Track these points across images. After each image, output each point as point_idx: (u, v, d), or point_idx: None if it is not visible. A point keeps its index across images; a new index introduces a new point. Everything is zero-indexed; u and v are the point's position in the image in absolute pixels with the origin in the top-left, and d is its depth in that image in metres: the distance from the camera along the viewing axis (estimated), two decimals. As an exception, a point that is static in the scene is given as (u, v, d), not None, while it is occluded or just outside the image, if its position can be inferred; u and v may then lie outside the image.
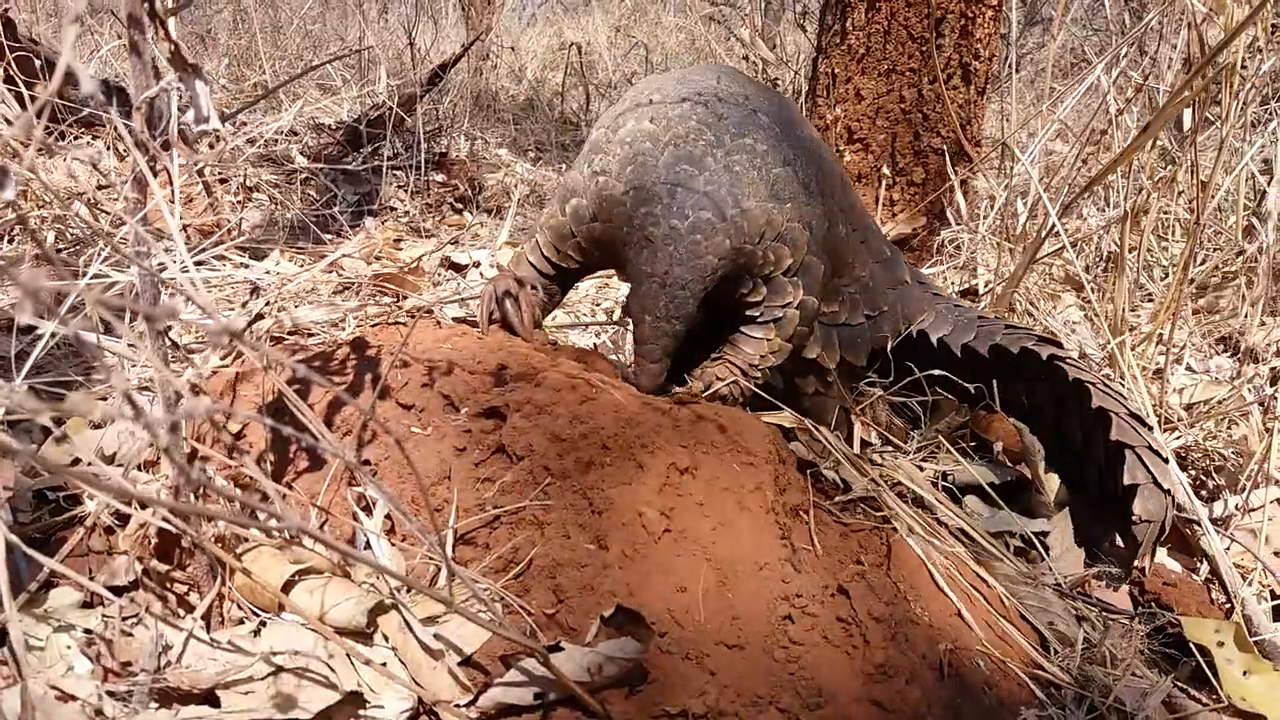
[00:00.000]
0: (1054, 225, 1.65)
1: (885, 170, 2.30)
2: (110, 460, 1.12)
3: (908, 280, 1.49)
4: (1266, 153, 2.05)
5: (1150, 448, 1.29)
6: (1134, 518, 1.26)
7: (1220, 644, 1.13)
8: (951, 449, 1.47)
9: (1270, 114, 2.18)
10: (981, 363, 1.44)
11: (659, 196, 1.15)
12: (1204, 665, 1.11)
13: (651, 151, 1.18)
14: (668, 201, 1.15)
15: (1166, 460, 1.29)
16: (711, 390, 1.27)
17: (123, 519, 1.01)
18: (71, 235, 1.64)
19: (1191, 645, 1.14)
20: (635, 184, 1.17)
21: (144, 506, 0.86)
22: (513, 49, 5.81)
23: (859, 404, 1.47)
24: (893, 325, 1.46)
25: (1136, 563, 1.29)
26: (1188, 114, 1.88)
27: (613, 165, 1.20)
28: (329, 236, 2.36)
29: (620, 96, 1.38)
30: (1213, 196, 1.95)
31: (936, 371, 1.42)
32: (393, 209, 2.84)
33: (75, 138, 2.50)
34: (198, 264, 1.59)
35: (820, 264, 1.27)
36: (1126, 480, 1.28)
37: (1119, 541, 1.35)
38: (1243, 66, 1.72)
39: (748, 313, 1.26)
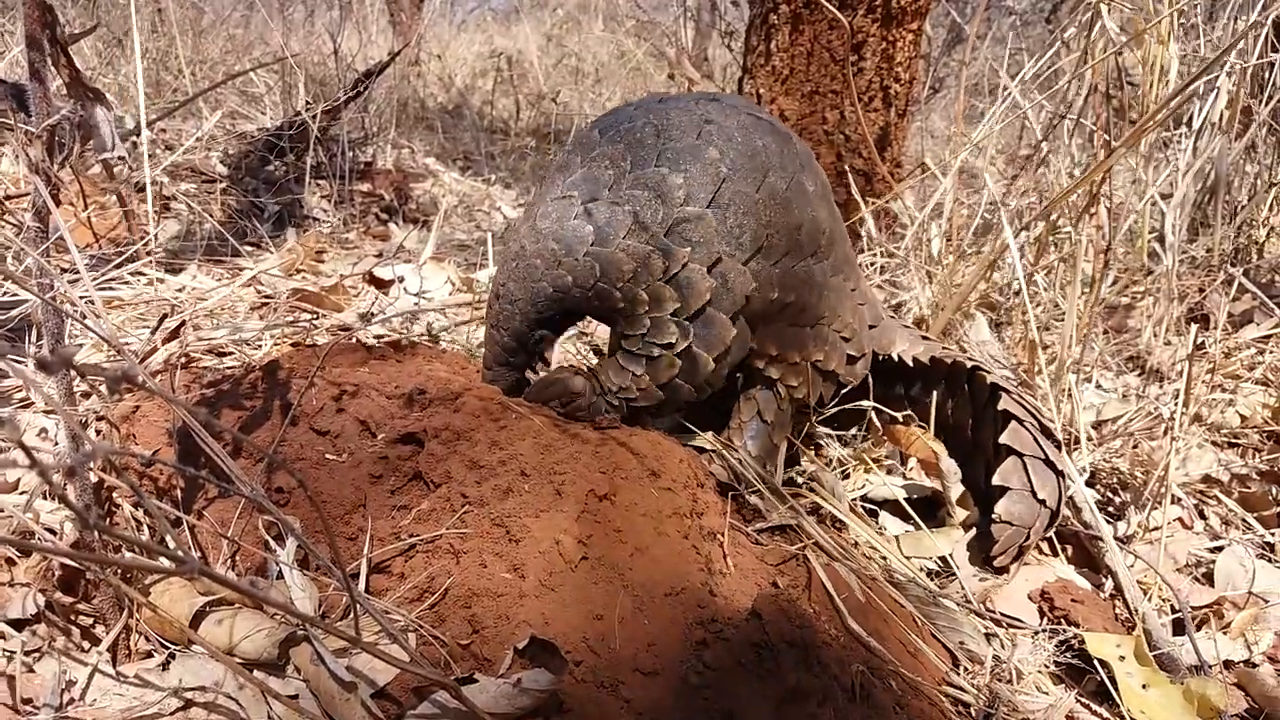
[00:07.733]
0: (1006, 244, 1.69)
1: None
2: (14, 487, 1.09)
3: (882, 316, 1.46)
4: (1171, 178, 2.13)
5: (1046, 460, 1.32)
6: (994, 516, 1.30)
7: (1121, 658, 1.17)
8: (869, 463, 1.49)
9: (1178, 137, 2.26)
10: (921, 372, 1.46)
11: (530, 212, 1.17)
12: (1106, 680, 1.15)
13: (563, 163, 1.18)
14: (531, 220, 1.15)
15: (1061, 475, 1.32)
16: (564, 401, 1.20)
17: (24, 549, 0.98)
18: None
19: (1094, 660, 1.18)
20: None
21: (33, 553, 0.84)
22: (439, 56, 5.76)
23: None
24: (865, 365, 1.40)
25: (995, 563, 1.32)
26: (1098, 142, 1.94)
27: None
28: (248, 248, 2.32)
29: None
30: (1123, 219, 2.02)
31: (867, 404, 1.41)
32: (315, 219, 2.79)
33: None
34: (110, 280, 1.55)
35: (730, 327, 1.16)
36: (997, 480, 1.31)
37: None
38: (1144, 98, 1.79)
39: (623, 342, 1.18)
